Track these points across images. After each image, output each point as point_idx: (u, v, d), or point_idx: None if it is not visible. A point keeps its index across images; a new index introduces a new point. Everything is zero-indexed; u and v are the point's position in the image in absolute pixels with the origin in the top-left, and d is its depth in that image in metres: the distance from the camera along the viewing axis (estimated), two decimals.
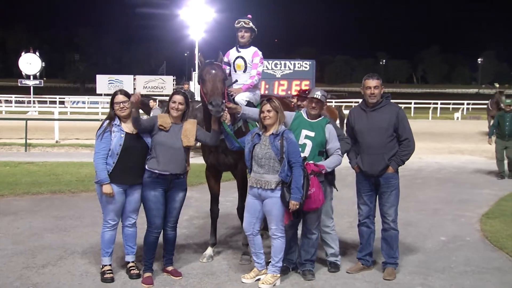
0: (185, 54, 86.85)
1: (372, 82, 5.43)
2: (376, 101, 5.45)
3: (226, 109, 5.29)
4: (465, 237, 7.09)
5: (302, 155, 5.30)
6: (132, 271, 5.28)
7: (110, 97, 5.29)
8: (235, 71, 6.11)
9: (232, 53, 6.13)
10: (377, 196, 5.60)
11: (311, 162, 5.27)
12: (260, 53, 6.06)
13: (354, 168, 5.65)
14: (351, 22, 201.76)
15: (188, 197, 9.44)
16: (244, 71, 6.06)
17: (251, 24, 5.99)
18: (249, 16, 6.07)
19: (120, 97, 5.16)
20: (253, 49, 6.06)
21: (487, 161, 15.25)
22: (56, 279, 5.22)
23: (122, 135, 5.12)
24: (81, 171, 11.52)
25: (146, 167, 5.20)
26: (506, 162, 12.27)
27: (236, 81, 6.00)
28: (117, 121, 5.17)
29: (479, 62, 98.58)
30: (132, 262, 5.37)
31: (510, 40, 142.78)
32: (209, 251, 6.03)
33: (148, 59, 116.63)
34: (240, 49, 6.06)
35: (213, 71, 5.34)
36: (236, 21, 6.02)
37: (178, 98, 5.24)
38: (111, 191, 5.05)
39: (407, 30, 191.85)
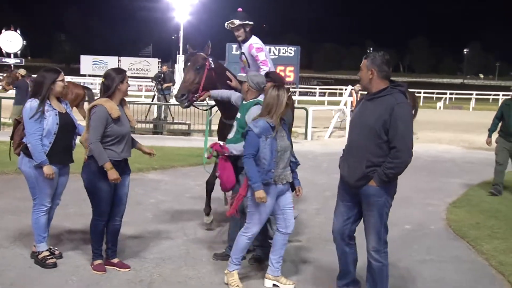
0: (172, 37, 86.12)
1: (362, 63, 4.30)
2: (362, 88, 4.42)
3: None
4: (430, 226, 7.10)
5: (230, 136, 5.19)
6: (49, 260, 5.02)
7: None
8: (245, 67, 6.19)
9: (239, 50, 6.20)
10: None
11: (221, 142, 5.05)
12: (255, 44, 5.96)
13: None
14: (339, 10, 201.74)
15: (158, 180, 9.54)
16: (249, 66, 6.08)
17: (237, 22, 5.90)
18: (239, 9, 6.01)
19: (62, 74, 5.05)
20: (249, 42, 6.02)
21: (463, 150, 15.42)
22: (6, 262, 5.10)
23: (56, 114, 4.95)
24: None
25: None
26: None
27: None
28: (47, 100, 4.96)
29: (465, 52, 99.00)
30: (47, 250, 5.12)
31: (496, 31, 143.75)
32: (205, 219, 6.31)
33: (136, 41, 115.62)
34: (242, 45, 6.11)
35: (188, 64, 5.74)
36: (225, 24, 6.02)
37: (127, 77, 4.95)
38: (53, 171, 4.89)
39: (395, 19, 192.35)
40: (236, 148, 4.93)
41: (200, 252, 5.64)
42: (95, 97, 5.14)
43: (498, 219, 7.37)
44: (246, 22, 5.96)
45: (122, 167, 4.94)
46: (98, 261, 5.02)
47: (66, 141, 5.04)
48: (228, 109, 5.66)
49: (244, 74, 5.34)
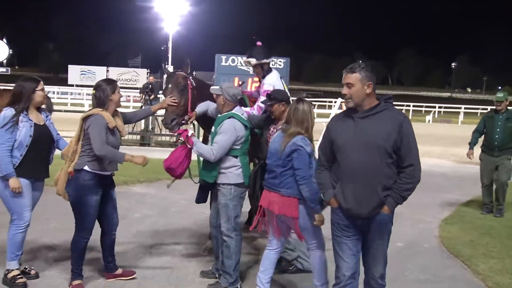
0: (162, 48, 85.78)
1: (346, 78, 3.76)
2: (353, 106, 3.76)
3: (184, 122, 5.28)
4: (423, 244, 6.91)
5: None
6: (18, 280, 4.74)
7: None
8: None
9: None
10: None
11: (190, 133, 4.87)
12: (265, 86, 5.62)
13: (329, 202, 3.91)
14: (329, 21, 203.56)
15: (143, 193, 9.25)
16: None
17: (254, 62, 5.66)
18: (259, 43, 5.75)
19: (42, 83, 4.82)
20: (265, 79, 5.70)
21: (454, 165, 15.29)
22: None
23: (31, 126, 4.71)
24: None
25: (88, 168, 4.60)
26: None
27: (243, 82, 5.89)
28: (24, 111, 4.73)
29: (453, 66, 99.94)
30: (17, 269, 4.82)
31: (484, 45, 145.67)
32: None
33: (125, 51, 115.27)
34: (262, 80, 5.84)
35: (169, 85, 5.28)
36: (243, 60, 5.74)
37: (118, 86, 4.80)
38: (20, 185, 4.64)
39: (385, 31, 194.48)
40: (198, 148, 4.79)
41: (185, 271, 5.41)
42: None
43: (492, 237, 7.21)
44: (263, 61, 5.67)
45: (109, 180, 4.80)
46: (77, 282, 4.76)
47: (40, 155, 4.79)
48: (208, 124, 5.41)
49: (218, 87, 5.08)
